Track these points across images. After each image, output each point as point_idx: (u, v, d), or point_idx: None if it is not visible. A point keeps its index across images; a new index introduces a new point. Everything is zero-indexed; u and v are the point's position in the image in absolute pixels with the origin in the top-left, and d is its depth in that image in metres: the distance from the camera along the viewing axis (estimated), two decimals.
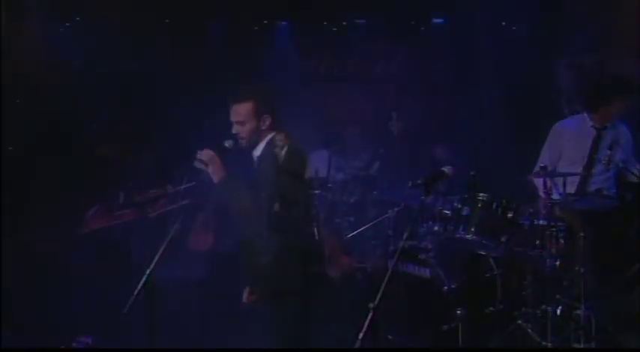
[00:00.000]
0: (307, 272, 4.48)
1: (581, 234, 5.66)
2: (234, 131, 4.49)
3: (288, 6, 8.13)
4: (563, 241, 5.80)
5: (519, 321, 5.79)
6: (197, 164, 4.44)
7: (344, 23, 8.44)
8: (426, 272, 5.91)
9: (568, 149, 6.27)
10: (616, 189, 6.23)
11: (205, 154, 4.44)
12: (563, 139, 6.33)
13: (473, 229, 5.87)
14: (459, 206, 5.98)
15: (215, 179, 4.41)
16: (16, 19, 7.39)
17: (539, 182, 5.97)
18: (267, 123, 4.47)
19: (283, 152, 4.38)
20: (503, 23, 8.13)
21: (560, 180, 5.82)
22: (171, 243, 4.21)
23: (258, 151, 4.52)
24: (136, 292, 4.02)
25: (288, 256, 4.41)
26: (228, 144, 4.48)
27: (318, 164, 8.34)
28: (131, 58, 8.20)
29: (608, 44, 7.53)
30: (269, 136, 4.49)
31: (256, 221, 4.41)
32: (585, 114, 6.32)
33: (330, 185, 8.19)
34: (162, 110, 8.22)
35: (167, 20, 8.22)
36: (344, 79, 8.84)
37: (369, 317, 3.67)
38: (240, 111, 4.43)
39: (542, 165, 5.80)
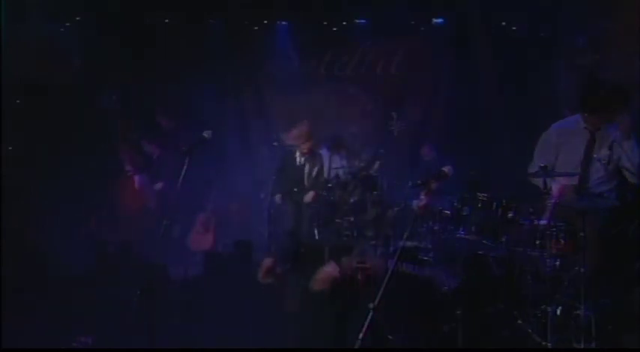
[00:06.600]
0: None
1: (581, 234, 5.65)
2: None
3: (288, 6, 8.13)
4: (563, 241, 5.80)
5: (519, 321, 5.78)
6: None
7: (344, 23, 8.45)
8: (426, 272, 5.91)
9: (564, 150, 6.27)
10: (615, 188, 6.23)
11: None
12: (559, 140, 6.33)
13: (473, 229, 5.88)
14: (459, 206, 5.98)
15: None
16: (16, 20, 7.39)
17: (539, 183, 5.97)
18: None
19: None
20: (503, 23, 8.13)
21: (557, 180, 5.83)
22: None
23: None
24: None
25: None
26: (207, 134, 4.87)
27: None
28: (131, 58, 8.21)
29: (608, 45, 7.53)
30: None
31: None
32: (578, 116, 6.30)
33: (330, 185, 8.19)
34: (163, 110, 8.23)
35: (167, 20, 8.23)
36: (344, 79, 8.84)
37: (369, 317, 3.68)
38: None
39: (541, 164, 5.80)
